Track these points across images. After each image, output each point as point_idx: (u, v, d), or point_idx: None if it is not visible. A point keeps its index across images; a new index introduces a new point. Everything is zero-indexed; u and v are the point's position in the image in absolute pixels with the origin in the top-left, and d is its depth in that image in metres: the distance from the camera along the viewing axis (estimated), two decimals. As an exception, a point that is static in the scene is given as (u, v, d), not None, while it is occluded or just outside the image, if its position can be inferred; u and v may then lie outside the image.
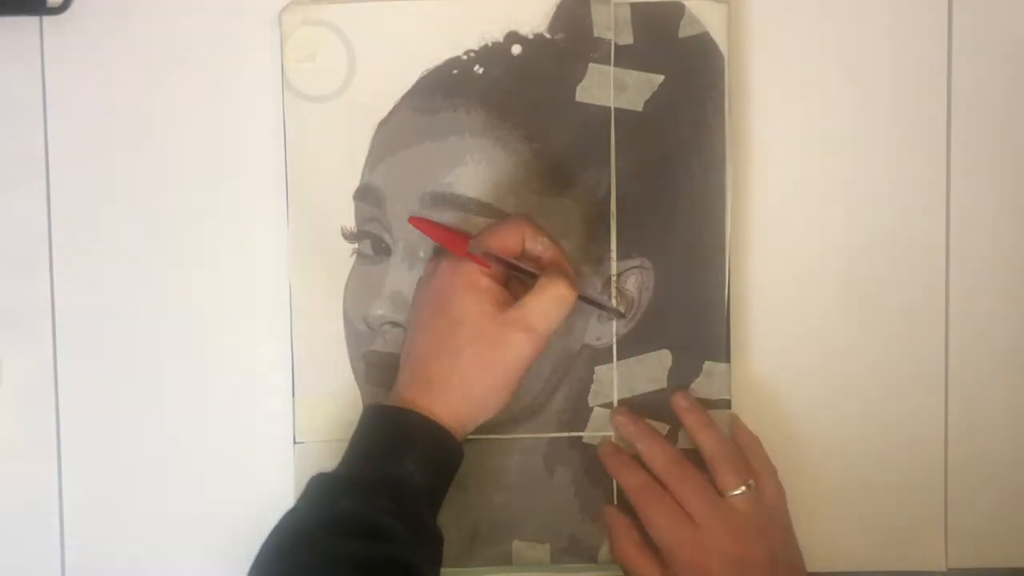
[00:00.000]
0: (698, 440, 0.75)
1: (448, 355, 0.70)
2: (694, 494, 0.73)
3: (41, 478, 0.79)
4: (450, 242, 0.72)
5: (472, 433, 0.75)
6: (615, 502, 0.77)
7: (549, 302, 0.70)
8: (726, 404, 0.77)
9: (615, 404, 0.78)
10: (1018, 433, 0.80)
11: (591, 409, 0.78)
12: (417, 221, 0.72)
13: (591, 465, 0.78)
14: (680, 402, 0.76)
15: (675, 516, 0.73)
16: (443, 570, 0.77)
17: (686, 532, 0.72)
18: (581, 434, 0.78)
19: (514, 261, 0.72)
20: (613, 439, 0.77)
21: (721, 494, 0.73)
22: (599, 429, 0.78)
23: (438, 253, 0.74)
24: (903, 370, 0.79)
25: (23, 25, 0.78)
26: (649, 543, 0.74)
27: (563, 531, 0.78)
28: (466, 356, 0.70)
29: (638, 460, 0.75)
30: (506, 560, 0.78)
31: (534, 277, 0.72)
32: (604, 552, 0.78)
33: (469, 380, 0.70)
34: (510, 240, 0.72)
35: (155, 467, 0.79)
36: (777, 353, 0.79)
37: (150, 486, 0.79)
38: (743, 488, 0.73)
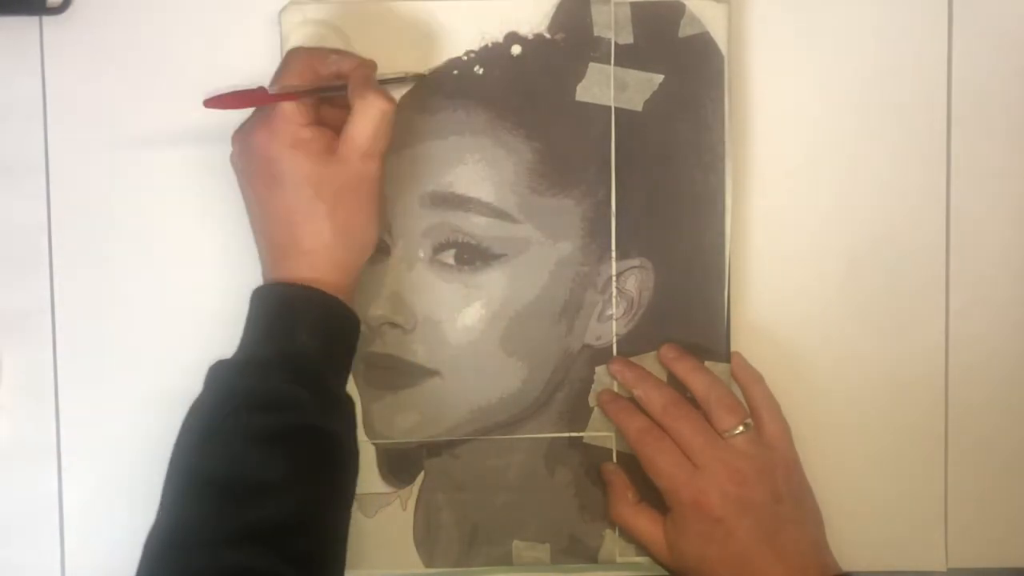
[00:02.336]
0: (690, 385, 0.75)
1: (309, 219, 0.69)
2: (692, 435, 0.73)
3: (41, 478, 0.79)
4: (250, 99, 0.70)
5: (472, 433, 0.75)
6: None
7: (371, 121, 0.68)
8: (726, 404, 0.77)
9: (615, 404, 0.78)
10: (1018, 433, 0.80)
11: (591, 409, 0.78)
12: (212, 100, 0.69)
13: (591, 465, 0.78)
14: (668, 353, 0.76)
15: (675, 458, 0.73)
16: (443, 571, 0.78)
17: (686, 473, 0.72)
18: (581, 434, 0.78)
19: (319, 86, 0.70)
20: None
21: (720, 435, 0.73)
22: (599, 429, 0.78)
23: (239, 131, 0.72)
24: (903, 370, 0.79)
25: (23, 25, 0.78)
26: (647, 500, 0.75)
27: (563, 531, 0.78)
28: (327, 211, 0.69)
29: (639, 407, 0.76)
30: (506, 560, 0.78)
31: (344, 91, 0.70)
32: (604, 552, 0.78)
33: (340, 230, 0.69)
34: (304, 71, 0.71)
35: (155, 467, 0.79)
36: (777, 353, 0.79)
37: (150, 486, 0.79)
38: (741, 427, 0.73)
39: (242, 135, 0.72)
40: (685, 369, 0.76)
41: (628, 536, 0.77)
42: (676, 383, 0.76)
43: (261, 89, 0.70)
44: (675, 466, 0.72)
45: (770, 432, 0.75)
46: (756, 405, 0.76)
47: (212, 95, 0.70)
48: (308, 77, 0.71)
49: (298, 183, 0.69)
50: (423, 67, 0.76)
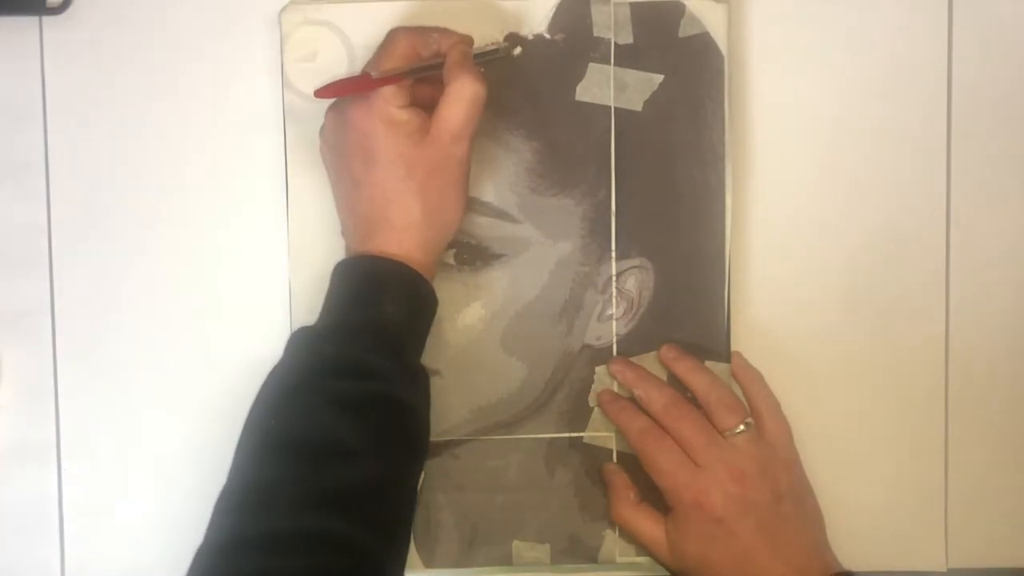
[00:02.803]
0: (690, 385, 0.75)
1: (401, 196, 0.70)
2: (693, 434, 0.73)
3: (41, 478, 0.79)
4: (358, 86, 0.70)
5: (472, 433, 0.75)
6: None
7: (465, 104, 0.70)
8: (726, 404, 0.78)
9: (615, 404, 0.78)
10: (1018, 433, 0.80)
11: (591, 409, 0.78)
12: (322, 91, 0.70)
13: (591, 465, 0.78)
14: (668, 353, 0.77)
15: (676, 458, 0.73)
16: (443, 571, 0.78)
17: (688, 473, 0.72)
18: (581, 434, 0.78)
19: (419, 66, 0.71)
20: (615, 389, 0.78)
21: (721, 434, 0.73)
22: (599, 429, 0.78)
23: (333, 108, 0.73)
24: (903, 370, 0.79)
25: (23, 25, 0.78)
26: (647, 500, 0.75)
27: (563, 531, 0.78)
28: (417, 190, 0.70)
29: (639, 407, 0.76)
30: (506, 560, 0.78)
31: (440, 69, 0.71)
32: (604, 552, 0.78)
33: (430, 208, 0.70)
34: (406, 52, 0.72)
35: (155, 467, 0.79)
36: (777, 353, 0.79)
37: (150, 486, 0.79)
38: (741, 427, 0.73)
39: (337, 112, 0.72)
40: (685, 369, 0.76)
41: (629, 536, 0.77)
42: (676, 384, 0.76)
43: (367, 75, 0.70)
44: (677, 465, 0.73)
45: (771, 431, 0.75)
46: (756, 404, 0.76)
47: (322, 85, 0.70)
48: (409, 58, 0.72)
49: (392, 161, 0.70)
50: (513, 43, 0.76)
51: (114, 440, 0.79)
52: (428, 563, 0.78)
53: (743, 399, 0.76)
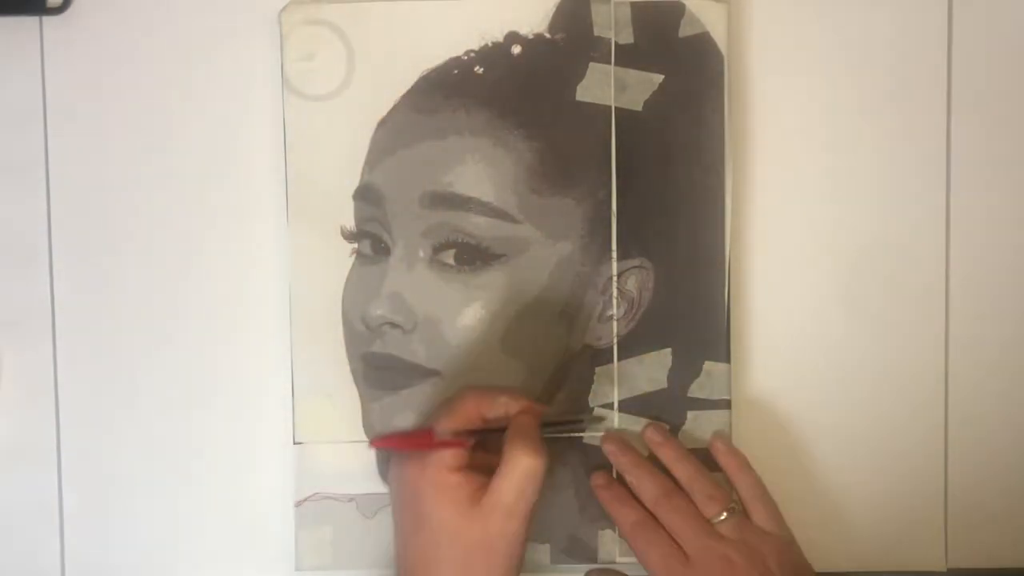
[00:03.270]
0: (675, 473, 0.75)
1: (439, 566, 0.68)
2: (682, 526, 0.73)
3: (41, 478, 0.79)
4: (418, 443, 0.70)
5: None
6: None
7: (520, 480, 0.68)
8: (726, 404, 0.77)
9: (615, 404, 0.77)
10: (1018, 433, 0.80)
11: (591, 409, 0.78)
12: (380, 441, 0.70)
13: (591, 465, 0.78)
14: (653, 437, 0.76)
15: (668, 552, 0.72)
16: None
17: (679, 566, 0.72)
18: (581, 434, 0.78)
19: (480, 428, 0.71)
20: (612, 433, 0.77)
21: (708, 523, 0.73)
22: (599, 430, 0.78)
23: (398, 457, 0.72)
24: (903, 370, 0.79)
25: (23, 25, 0.78)
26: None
27: (563, 531, 0.78)
28: (458, 563, 0.68)
29: (629, 497, 0.75)
30: (506, 560, 0.78)
31: (503, 433, 0.70)
32: (604, 552, 0.78)
33: None
34: (472, 415, 0.71)
35: (154, 467, 0.79)
36: (777, 353, 0.79)
37: (150, 486, 0.79)
38: (724, 514, 0.73)
39: (398, 460, 0.71)
40: (670, 458, 0.75)
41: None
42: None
43: (427, 433, 0.69)
44: (668, 558, 0.72)
45: (759, 516, 0.74)
46: (743, 490, 0.75)
47: (380, 436, 0.71)
48: (475, 421, 0.71)
49: (436, 528, 0.68)
50: (586, 411, 0.76)
51: (114, 440, 0.79)
52: (428, 563, 0.78)
53: (727, 482, 0.76)
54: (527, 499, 0.68)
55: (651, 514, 0.74)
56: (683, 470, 0.75)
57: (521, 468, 0.68)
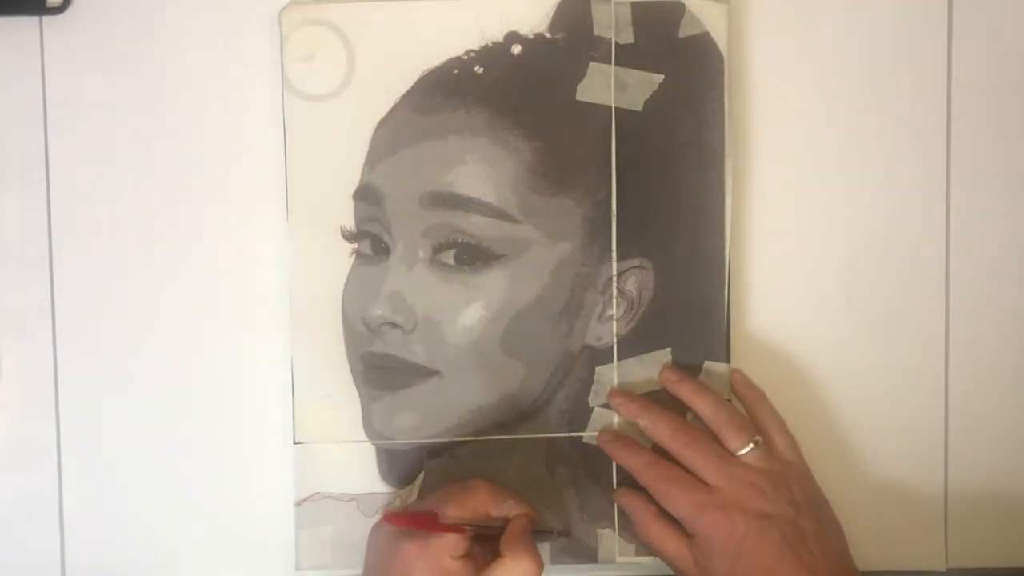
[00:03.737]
0: (696, 407, 0.75)
1: None
2: (705, 458, 0.73)
3: (41, 478, 0.79)
4: (423, 524, 0.70)
5: (472, 434, 0.75)
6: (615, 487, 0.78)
7: None
8: (726, 404, 0.78)
9: (615, 404, 0.78)
10: (1018, 433, 0.80)
11: (591, 409, 0.78)
12: (390, 516, 0.71)
13: (591, 465, 0.78)
14: (670, 376, 0.77)
15: (689, 484, 0.73)
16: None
17: (703, 497, 0.72)
18: (581, 434, 0.78)
19: (481, 523, 0.72)
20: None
21: (731, 454, 0.73)
22: (599, 429, 0.78)
23: (393, 528, 0.72)
24: (903, 370, 0.79)
25: (23, 25, 0.78)
26: (669, 518, 0.74)
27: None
28: None
29: (637, 443, 0.76)
30: (506, 560, 0.78)
31: (501, 531, 0.72)
32: (604, 551, 0.78)
33: None
34: (478, 506, 0.72)
35: (155, 467, 0.79)
36: (776, 353, 0.79)
37: (150, 486, 0.79)
38: (751, 445, 0.73)
39: (391, 532, 0.71)
40: (690, 392, 0.76)
41: (657, 556, 0.76)
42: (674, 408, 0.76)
43: (434, 516, 0.70)
44: (691, 491, 0.72)
45: (780, 446, 0.75)
46: (763, 422, 0.76)
47: (391, 512, 0.71)
48: (480, 513, 0.72)
49: None
50: (566, 526, 0.77)
51: (114, 440, 0.79)
52: (428, 563, 0.78)
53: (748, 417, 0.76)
54: None
55: (668, 451, 0.74)
56: (705, 404, 0.75)
57: (523, 568, 0.69)
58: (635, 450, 0.76)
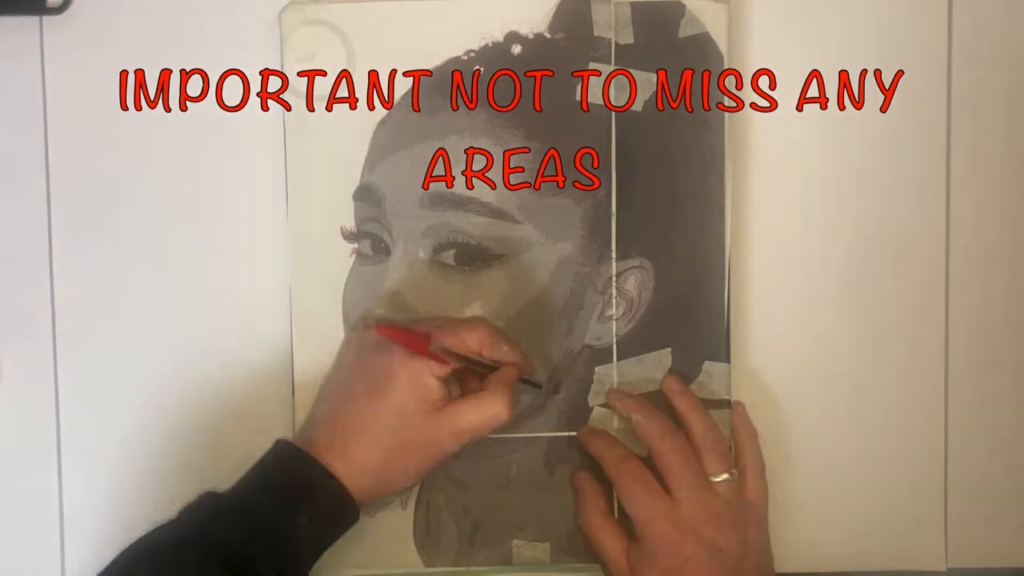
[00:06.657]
0: (687, 422, 0.75)
1: (374, 438, 0.71)
2: (682, 469, 0.73)
3: (41, 478, 0.79)
4: (414, 345, 0.71)
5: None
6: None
7: (485, 419, 0.72)
8: (726, 404, 0.78)
9: (615, 404, 0.78)
10: (1018, 433, 0.80)
11: (591, 409, 0.78)
12: (383, 329, 0.72)
13: (591, 465, 0.78)
14: (672, 385, 0.77)
15: (653, 489, 0.73)
16: (443, 570, 0.78)
17: (663, 506, 0.72)
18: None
19: (472, 358, 0.73)
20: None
21: (705, 477, 0.73)
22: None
23: (381, 332, 0.73)
24: (903, 370, 0.79)
25: (23, 25, 0.78)
26: (617, 515, 0.75)
27: (563, 530, 0.78)
28: (392, 445, 0.71)
29: (615, 439, 0.76)
30: (506, 559, 0.78)
31: (491, 369, 0.73)
32: (604, 552, 0.78)
33: (387, 464, 0.71)
34: (471, 343, 0.73)
35: (155, 468, 0.79)
36: (777, 353, 0.79)
37: (150, 487, 0.79)
38: (726, 475, 0.73)
39: (383, 340, 0.72)
40: (686, 405, 0.76)
41: (591, 547, 0.76)
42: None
43: (426, 339, 0.71)
44: (653, 497, 0.73)
45: (752, 487, 0.75)
46: (744, 459, 0.76)
47: (385, 324, 0.73)
48: (473, 351, 0.73)
49: (391, 411, 0.71)
50: (556, 385, 0.78)
51: (114, 440, 0.79)
52: (428, 562, 0.78)
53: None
54: (479, 434, 0.72)
55: (650, 450, 0.74)
56: (696, 422, 0.75)
57: (492, 411, 0.71)
58: (611, 443, 0.76)
